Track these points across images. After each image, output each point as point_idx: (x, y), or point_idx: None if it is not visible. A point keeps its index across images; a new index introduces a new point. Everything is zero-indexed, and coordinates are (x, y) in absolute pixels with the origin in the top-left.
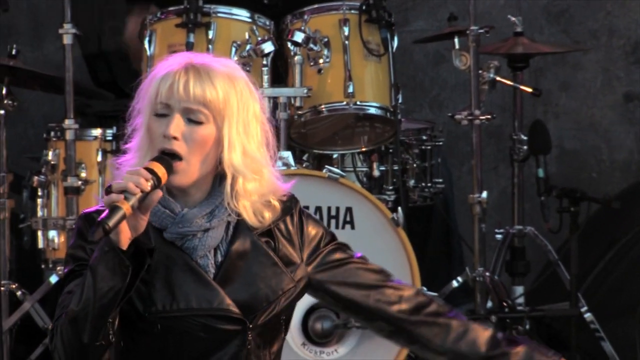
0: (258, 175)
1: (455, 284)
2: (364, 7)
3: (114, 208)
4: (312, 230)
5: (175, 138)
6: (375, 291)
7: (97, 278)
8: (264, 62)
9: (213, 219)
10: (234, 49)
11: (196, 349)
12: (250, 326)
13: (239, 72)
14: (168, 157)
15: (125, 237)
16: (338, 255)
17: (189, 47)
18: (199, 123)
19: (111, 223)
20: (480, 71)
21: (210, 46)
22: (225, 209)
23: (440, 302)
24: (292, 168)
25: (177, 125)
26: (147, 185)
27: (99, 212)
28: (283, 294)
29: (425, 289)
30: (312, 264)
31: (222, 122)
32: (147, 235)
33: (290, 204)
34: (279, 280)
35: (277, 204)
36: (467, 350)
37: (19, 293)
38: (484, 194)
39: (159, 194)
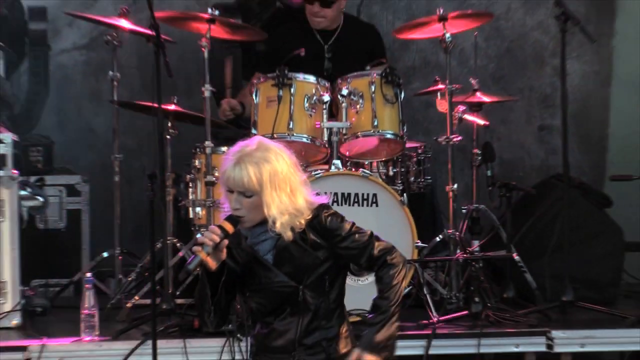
0: (288, 211)
1: (437, 239)
2: (383, 74)
3: (194, 256)
4: (330, 225)
5: (237, 209)
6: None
7: (200, 288)
8: (324, 107)
9: (266, 234)
10: (306, 99)
11: (275, 301)
12: (301, 286)
13: (269, 152)
14: (235, 217)
15: (212, 265)
16: (344, 243)
17: (279, 99)
18: (249, 197)
19: (192, 268)
20: (453, 112)
21: (292, 97)
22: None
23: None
24: (340, 170)
25: (236, 201)
26: (217, 238)
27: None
28: (313, 266)
29: (419, 242)
30: (333, 244)
31: (261, 192)
32: (240, 248)
33: (318, 211)
34: (310, 259)
35: (303, 221)
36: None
37: (178, 244)
38: (455, 186)
39: (225, 242)
